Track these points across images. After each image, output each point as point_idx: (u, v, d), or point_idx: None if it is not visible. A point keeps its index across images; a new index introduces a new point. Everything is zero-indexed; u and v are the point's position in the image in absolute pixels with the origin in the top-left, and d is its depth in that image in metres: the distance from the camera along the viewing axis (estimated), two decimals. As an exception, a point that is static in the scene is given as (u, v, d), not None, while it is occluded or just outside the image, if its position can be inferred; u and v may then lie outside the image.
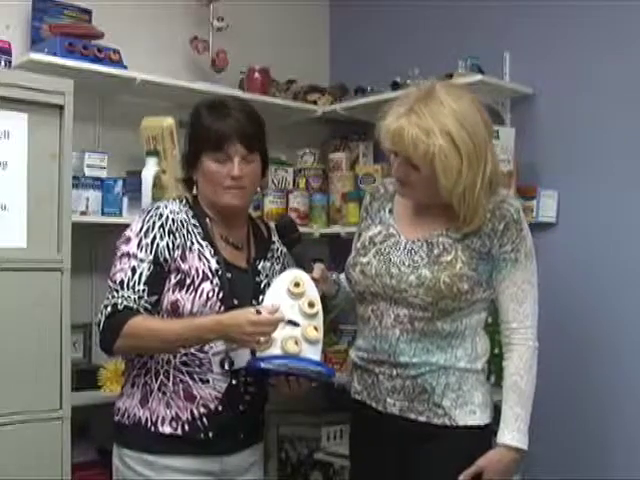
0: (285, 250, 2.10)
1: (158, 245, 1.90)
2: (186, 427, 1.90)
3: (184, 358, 1.90)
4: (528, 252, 1.95)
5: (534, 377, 1.94)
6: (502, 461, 1.89)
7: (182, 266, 1.91)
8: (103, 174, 2.71)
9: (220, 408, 1.91)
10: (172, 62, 3.11)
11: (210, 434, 1.91)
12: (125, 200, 2.72)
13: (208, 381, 1.90)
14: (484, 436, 1.92)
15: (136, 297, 1.87)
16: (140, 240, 1.91)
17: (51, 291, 2.13)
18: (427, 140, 1.81)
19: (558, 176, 2.83)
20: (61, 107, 2.16)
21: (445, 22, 3.16)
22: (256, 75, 3.19)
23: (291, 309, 1.86)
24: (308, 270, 1.94)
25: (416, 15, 3.27)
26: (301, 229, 3.00)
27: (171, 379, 1.90)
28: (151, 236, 1.91)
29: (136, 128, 2.76)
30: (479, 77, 2.76)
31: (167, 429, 1.90)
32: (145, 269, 1.88)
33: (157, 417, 1.90)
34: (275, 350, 1.81)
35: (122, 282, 1.88)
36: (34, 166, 2.12)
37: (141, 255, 1.89)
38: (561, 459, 2.76)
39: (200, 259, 1.93)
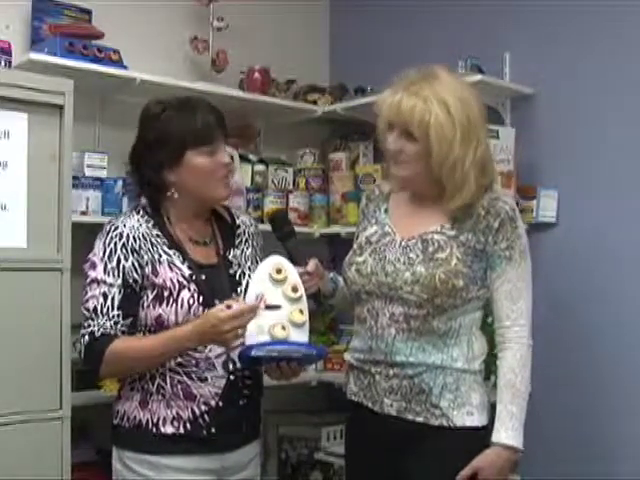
0: (252, 230, 2.11)
1: (124, 267, 1.90)
2: (188, 426, 1.90)
3: (180, 360, 1.90)
4: (523, 250, 1.95)
5: (529, 375, 1.93)
6: (497, 460, 1.88)
7: (156, 280, 1.91)
8: (103, 174, 2.71)
9: (221, 404, 1.92)
10: (172, 62, 3.11)
11: (213, 430, 1.91)
12: (125, 200, 2.72)
13: (207, 379, 1.91)
14: (481, 437, 1.91)
15: (112, 323, 1.87)
16: (105, 265, 1.90)
17: (51, 291, 2.13)
18: (424, 106, 1.86)
19: (558, 176, 2.83)
20: (61, 107, 2.16)
21: (445, 22, 3.16)
22: (256, 75, 3.19)
23: (275, 295, 1.86)
24: (302, 265, 1.95)
25: (416, 15, 3.27)
26: (301, 229, 3.03)
27: (168, 381, 1.90)
28: (115, 259, 1.90)
29: (136, 128, 2.75)
30: (479, 77, 2.76)
31: (169, 429, 1.90)
32: (116, 293, 1.88)
33: (158, 418, 1.90)
34: (263, 337, 1.82)
35: (95, 309, 1.88)
36: (34, 166, 2.12)
37: (110, 280, 1.89)
38: (561, 459, 2.75)
39: (172, 269, 1.92)
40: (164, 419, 1.90)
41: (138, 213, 1.99)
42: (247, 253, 2.06)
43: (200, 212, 2.03)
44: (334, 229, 3.22)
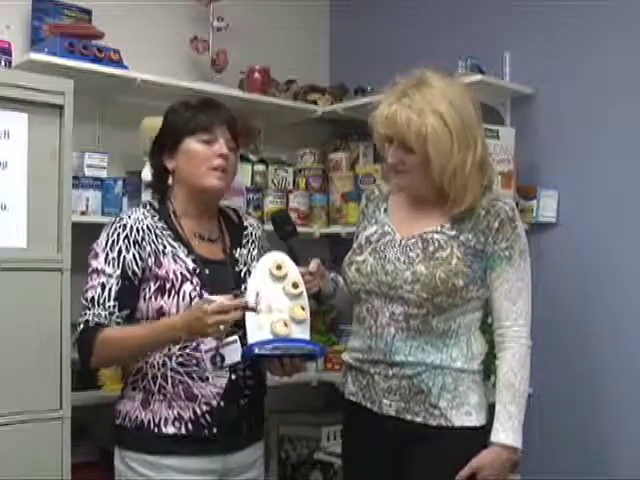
0: (259, 233, 2.12)
1: (125, 258, 1.91)
2: (189, 426, 1.90)
3: (180, 359, 1.90)
4: (522, 250, 1.95)
5: (527, 375, 1.94)
6: (496, 460, 1.88)
7: (159, 272, 1.91)
8: (103, 174, 2.71)
9: (222, 404, 1.92)
10: (172, 62, 3.12)
11: (214, 430, 1.91)
12: (125, 200, 2.72)
13: (208, 379, 1.91)
14: (480, 437, 1.91)
15: (107, 313, 1.89)
16: (107, 255, 1.92)
17: (51, 291, 2.13)
18: (419, 120, 1.85)
19: (558, 176, 2.83)
20: (61, 107, 2.16)
21: (445, 22, 3.16)
22: (256, 75, 3.19)
23: (276, 292, 1.86)
24: (304, 265, 1.95)
25: (416, 15, 3.28)
26: (301, 229, 3.02)
27: (170, 381, 1.91)
28: (117, 249, 1.92)
29: (136, 128, 2.75)
30: (479, 77, 2.76)
31: (170, 429, 1.90)
32: (114, 284, 1.90)
33: (160, 418, 1.91)
34: (266, 334, 1.82)
35: (93, 299, 1.90)
36: (34, 166, 2.12)
37: (109, 270, 1.90)
38: (561, 458, 2.76)
39: (176, 261, 1.93)
40: (165, 419, 1.90)
41: (144, 207, 2.01)
42: (253, 253, 2.07)
43: (202, 208, 2.03)
44: (334, 229, 3.22)
